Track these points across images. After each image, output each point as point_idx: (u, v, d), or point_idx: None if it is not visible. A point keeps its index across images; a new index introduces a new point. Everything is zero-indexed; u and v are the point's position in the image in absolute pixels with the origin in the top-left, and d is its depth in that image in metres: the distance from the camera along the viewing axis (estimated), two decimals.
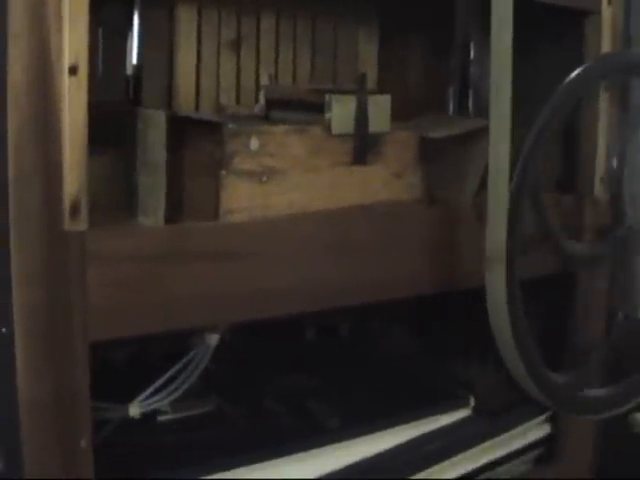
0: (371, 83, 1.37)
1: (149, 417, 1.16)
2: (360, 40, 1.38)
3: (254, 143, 1.02)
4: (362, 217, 1.10)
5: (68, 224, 0.90)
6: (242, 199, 1.02)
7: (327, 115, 1.08)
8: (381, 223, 1.11)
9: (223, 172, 1.01)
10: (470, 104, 1.52)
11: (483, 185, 1.21)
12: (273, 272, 1.02)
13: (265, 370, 1.35)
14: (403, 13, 1.40)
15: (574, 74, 1.15)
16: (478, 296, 1.15)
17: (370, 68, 1.39)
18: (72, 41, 0.88)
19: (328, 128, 1.08)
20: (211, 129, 1.02)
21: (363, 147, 1.10)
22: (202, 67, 1.24)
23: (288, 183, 1.05)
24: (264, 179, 1.03)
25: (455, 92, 1.49)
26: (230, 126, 1.02)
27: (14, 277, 0.89)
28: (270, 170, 1.04)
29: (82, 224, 0.90)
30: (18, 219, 0.88)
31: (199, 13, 1.23)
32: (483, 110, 1.50)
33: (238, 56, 1.27)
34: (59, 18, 0.88)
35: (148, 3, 1.20)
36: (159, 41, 1.21)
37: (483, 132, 1.21)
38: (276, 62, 1.30)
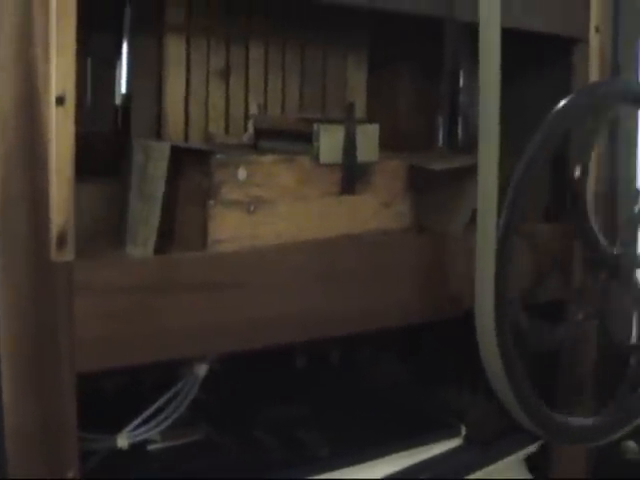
0: (360, 111, 1.37)
1: (139, 446, 1.15)
2: (349, 68, 1.39)
3: (242, 173, 1.03)
4: (351, 247, 1.10)
5: (55, 255, 0.89)
6: (230, 229, 1.02)
7: (315, 145, 1.08)
8: (370, 252, 1.11)
9: (211, 202, 1.01)
10: (459, 132, 1.52)
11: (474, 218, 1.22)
12: (261, 302, 1.02)
13: (255, 399, 1.34)
14: (392, 41, 1.41)
15: (562, 104, 1.15)
16: (468, 324, 1.15)
17: (359, 96, 1.39)
18: (59, 71, 0.88)
19: (316, 158, 1.08)
20: (199, 159, 1.02)
21: (351, 177, 1.11)
22: (191, 96, 1.24)
23: (276, 213, 1.05)
24: (252, 209, 1.03)
25: (444, 120, 1.49)
26: (218, 156, 1.02)
27: (1, 307, 0.89)
28: (258, 200, 1.04)
29: (69, 255, 0.90)
30: (4, 249, 0.88)
31: (188, 42, 1.23)
32: (472, 138, 1.51)
33: (227, 85, 1.27)
34: (46, 47, 0.88)
35: (137, 32, 1.21)
36: (148, 70, 1.22)
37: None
38: (265, 91, 1.30)
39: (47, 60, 0.88)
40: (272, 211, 1.05)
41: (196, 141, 1.24)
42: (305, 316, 1.05)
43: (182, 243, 1.03)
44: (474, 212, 1.21)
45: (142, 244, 1.02)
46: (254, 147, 1.19)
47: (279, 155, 1.06)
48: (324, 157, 1.09)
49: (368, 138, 1.12)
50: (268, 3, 1.28)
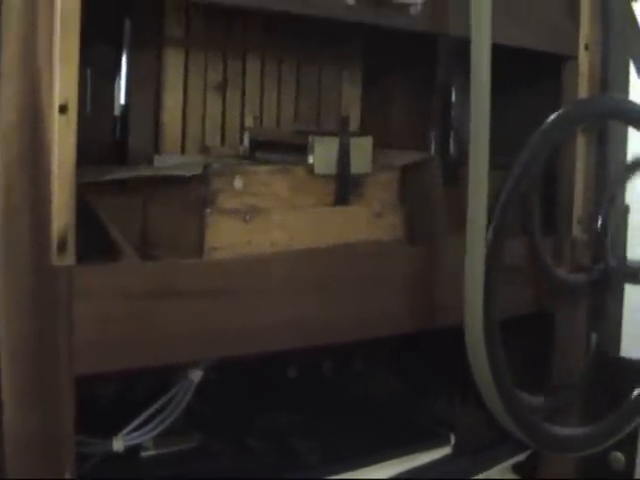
0: (354, 124, 1.40)
1: (132, 453, 1.16)
2: (344, 82, 1.42)
3: (238, 182, 1.05)
4: (344, 256, 1.12)
5: (56, 259, 0.91)
6: (226, 237, 1.04)
7: (310, 156, 1.11)
8: (362, 262, 1.13)
9: (208, 210, 1.03)
10: (451, 147, 1.55)
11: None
12: (256, 309, 1.04)
13: (247, 408, 1.36)
14: (386, 56, 1.43)
15: (551, 119, 1.18)
16: (457, 334, 1.16)
17: (354, 109, 1.42)
18: (63, 80, 0.90)
19: (311, 169, 1.11)
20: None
21: (345, 188, 1.13)
22: (188, 108, 1.26)
23: (271, 222, 1.07)
24: (248, 218, 1.05)
25: (436, 134, 1.52)
26: (214, 165, 1.04)
27: (1, 310, 0.90)
28: (254, 209, 1.06)
29: (70, 259, 0.92)
30: (6, 254, 0.90)
31: (186, 55, 1.26)
32: (464, 152, 1.53)
33: (224, 98, 1.30)
34: (50, 58, 0.90)
35: (136, 44, 1.23)
36: (147, 82, 1.24)
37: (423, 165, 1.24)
38: (261, 104, 1.33)
39: (51, 70, 0.90)
40: (267, 220, 1.07)
41: (193, 153, 1.26)
42: (299, 324, 1.07)
43: (179, 250, 1.05)
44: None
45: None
46: (250, 158, 1.21)
47: (274, 165, 1.09)
48: (318, 168, 1.11)
49: (362, 150, 1.14)
50: (265, 19, 1.31)
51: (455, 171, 1.34)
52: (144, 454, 1.19)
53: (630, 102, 1.24)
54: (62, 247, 0.92)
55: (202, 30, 1.26)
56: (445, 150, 1.53)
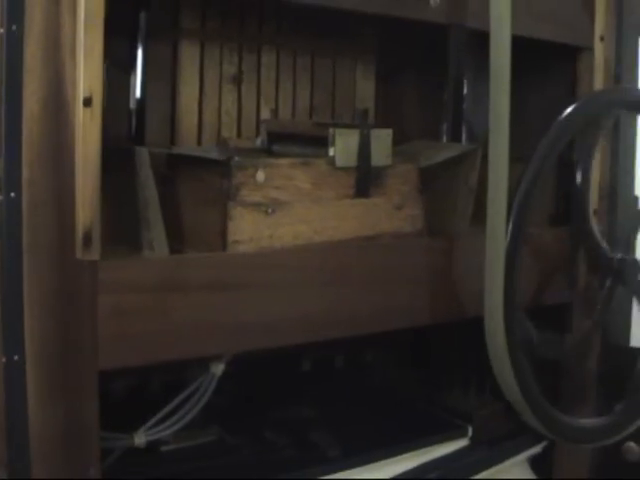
0: (369, 117, 1.40)
1: (152, 447, 1.16)
2: (358, 75, 1.41)
3: (260, 175, 1.04)
4: (365, 249, 1.12)
5: (81, 253, 0.91)
6: (249, 230, 1.04)
7: (331, 148, 1.10)
8: (384, 254, 1.13)
9: (230, 203, 1.03)
10: (463, 138, 1.55)
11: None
12: (280, 302, 1.04)
13: (264, 401, 1.36)
14: (399, 49, 1.43)
15: (569, 110, 1.18)
16: (474, 327, 1.17)
17: (367, 103, 1.42)
18: (87, 73, 0.90)
19: (332, 161, 1.10)
20: (217, 162, 1.04)
21: (365, 180, 1.13)
22: (204, 101, 1.26)
23: (293, 215, 1.07)
24: (270, 211, 1.05)
25: (448, 126, 1.52)
26: (237, 159, 1.03)
27: (26, 305, 0.90)
28: (276, 202, 1.06)
29: (95, 253, 0.91)
30: (31, 248, 0.90)
31: (202, 48, 1.25)
32: (476, 144, 1.54)
33: (239, 91, 1.29)
34: (73, 51, 0.90)
35: (152, 37, 1.22)
36: (162, 75, 1.24)
37: (466, 156, 1.24)
38: (276, 97, 1.33)
39: (74, 63, 0.90)
40: (289, 213, 1.07)
41: (210, 145, 1.26)
42: (321, 316, 1.07)
43: (201, 244, 1.05)
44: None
45: (156, 247, 1.03)
46: (267, 151, 1.21)
47: (296, 158, 1.08)
48: (339, 161, 1.11)
49: (381, 143, 1.14)
50: (279, 11, 1.30)
51: None
52: (164, 448, 1.19)
53: None
54: (87, 241, 0.91)
55: (217, 23, 1.26)
56: (457, 141, 1.53)
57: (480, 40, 1.51)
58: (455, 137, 1.53)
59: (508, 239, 1.14)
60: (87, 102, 0.90)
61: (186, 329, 0.98)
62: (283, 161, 1.07)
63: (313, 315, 1.07)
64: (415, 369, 1.53)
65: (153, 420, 1.11)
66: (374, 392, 1.47)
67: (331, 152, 1.10)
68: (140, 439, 1.10)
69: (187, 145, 1.25)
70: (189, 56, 1.24)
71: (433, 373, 1.48)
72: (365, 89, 1.43)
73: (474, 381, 1.41)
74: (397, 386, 1.49)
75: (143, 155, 1.02)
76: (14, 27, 0.88)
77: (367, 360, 1.56)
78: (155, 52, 1.23)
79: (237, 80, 1.29)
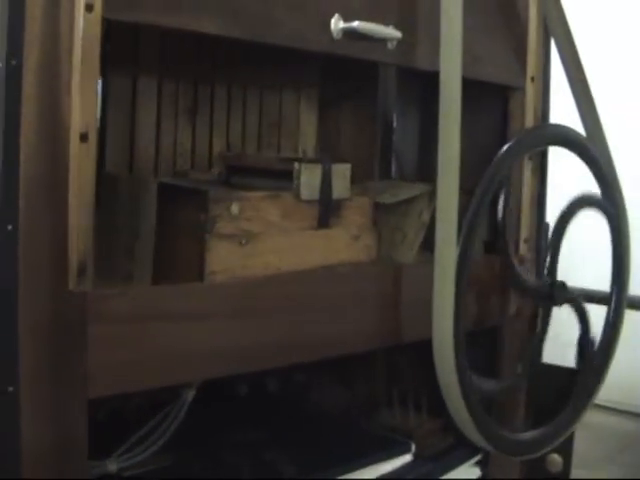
0: (311, 147, 1.47)
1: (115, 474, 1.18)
2: (302, 107, 1.48)
3: (235, 208, 1.09)
4: (326, 277, 1.18)
5: (74, 285, 0.94)
6: (224, 261, 1.08)
7: (296, 182, 1.16)
8: (343, 282, 1.19)
9: (207, 235, 1.07)
10: (393, 169, 1.63)
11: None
12: (252, 329, 1.08)
13: (209, 426, 1.39)
14: (337, 84, 1.50)
15: (509, 145, 1.27)
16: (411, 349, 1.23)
17: (310, 133, 1.48)
18: (83, 109, 0.93)
19: (297, 194, 1.16)
20: (194, 195, 1.08)
21: (327, 212, 1.19)
22: (161, 132, 1.30)
23: (263, 245, 1.12)
24: (243, 242, 1.10)
25: (380, 156, 1.59)
26: (213, 192, 1.08)
27: (20, 335, 0.92)
28: (248, 233, 1.11)
29: (87, 284, 0.94)
30: (26, 279, 0.92)
31: (159, 83, 1.29)
32: (404, 174, 1.62)
33: (194, 124, 1.33)
34: (69, 86, 0.93)
35: (113, 69, 1.25)
36: (122, 105, 1.26)
37: (423, 195, 1.33)
38: (227, 129, 1.37)
39: (70, 98, 0.93)
40: (260, 244, 1.12)
41: (166, 175, 1.29)
42: (292, 341, 1.12)
43: (178, 274, 1.09)
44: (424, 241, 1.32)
45: (139, 277, 1.07)
46: (225, 183, 1.25)
47: (265, 191, 1.13)
48: (304, 194, 1.16)
49: (341, 176, 1.20)
50: (231, 46, 1.35)
51: None
52: (126, 474, 1.21)
53: (573, 130, 1.34)
54: (81, 272, 0.94)
55: (174, 59, 1.30)
56: (387, 174, 1.61)
57: (407, 76, 1.61)
58: (384, 167, 1.62)
59: (457, 265, 1.22)
60: (83, 138, 0.93)
61: (172, 357, 1.01)
62: (254, 194, 1.12)
63: (284, 340, 1.11)
64: (346, 390, 1.59)
65: (124, 447, 1.14)
66: (312, 414, 1.52)
67: (296, 185, 1.16)
68: (112, 465, 1.13)
69: (143, 175, 1.28)
70: (147, 90, 1.28)
71: (365, 393, 1.55)
72: (308, 120, 1.49)
73: (411, 400, 1.48)
74: (333, 409, 1.55)
75: (149, 185, 1.05)
76: (14, 62, 0.90)
77: (298, 382, 1.61)
78: (115, 84, 1.26)
79: (192, 113, 1.33)
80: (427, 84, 1.58)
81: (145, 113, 1.28)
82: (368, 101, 1.55)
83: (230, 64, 1.36)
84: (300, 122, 1.48)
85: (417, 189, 1.33)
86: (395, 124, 1.62)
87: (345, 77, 1.49)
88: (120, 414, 1.24)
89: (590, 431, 1.58)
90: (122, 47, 1.25)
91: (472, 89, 1.38)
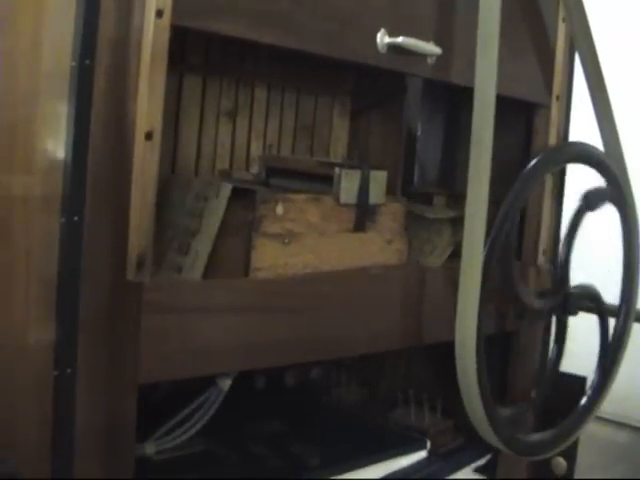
0: (342, 153, 1.53)
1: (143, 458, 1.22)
2: (335, 112, 1.54)
3: (280, 209, 1.15)
4: (362, 278, 1.23)
5: (133, 275, 0.99)
6: (268, 259, 1.14)
7: (336, 186, 1.21)
8: (377, 283, 1.25)
9: (254, 234, 1.12)
10: (415, 176, 1.69)
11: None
12: (291, 324, 1.14)
13: (233, 416, 1.44)
14: (368, 94, 1.56)
15: (537, 160, 1.33)
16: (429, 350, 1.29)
17: (342, 139, 1.54)
18: (150, 108, 0.98)
19: (337, 198, 1.22)
20: (241, 195, 1.14)
21: (363, 216, 1.24)
22: (203, 133, 1.35)
23: (304, 245, 1.18)
24: (286, 241, 1.15)
25: (404, 163, 1.65)
26: (261, 192, 1.13)
27: (80, 320, 0.97)
28: (291, 233, 1.16)
29: (145, 276, 1.00)
30: (88, 268, 0.97)
31: (204, 82, 1.34)
32: (426, 181, 1.68)
33: (234, 124, 1.39)
34: (137, 86, 0.98)
35: None
36: (167, 106, 1.31)
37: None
38: (265, 131, 1.43)
39: (136, 98, 0.98)
40: (301, 244, 1.17)
41: (206, 176, 1.34)
42: (329, 337, 1.18)
43: (224, 270, 1.14)
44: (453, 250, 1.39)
45: (190, 271, 1.12)
46: (265, 184, 1.31)
47: (308, 194, 1.19)
48: (343, 198, 1.22)
49: (378, 183, 1.26)
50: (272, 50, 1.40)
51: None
52: (155, 458, 1.26)
53: (596, 149, 1.40)
54: (140, 264, 0.99)
55: (219, 59, 1.35)
56: (409, 180, 1.67)
57: (432, 87, 1.66)
58: (408, 173, 1.67)
59: (482, 271, 1.27)
60: (148, 136, 0.98)
61: (213, 347, 1.07)
62: (298, 196, 1.18)
63: (322, 336, 1.17)
64: (364, 387, 1.66)
65: (161, 430, 1.19)
66: (331, 409, 1.59)
67: (336, 190, 1.21)
68: (150, 448, 1.18)
69: (185, 174, 1.33)
70: (192, 88, 1.33)
71: (382, 392, 1.62)
72: (340, 126, 1.55)
73: (426, 400, 1.54)
74: (353, 405, 1.61)
75: (221, 187, 1.12)
76: (87, 62, 0.96)
77: (314, 377, 1.67)
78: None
79: (232, 114, 1.38)
80: (451, 96, 1.66)
81: (189, 112, 1.33)
82: (395, 110, 1.60)
83: (271, 66, 1.42)
84: (333, 127, 1.54)
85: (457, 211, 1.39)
86: (419, 133, 1.68)
87: (375, 87, 1.55)
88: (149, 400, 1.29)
89: (585, 441, 1.64)
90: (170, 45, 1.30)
91: (497, 105, 1.44)
